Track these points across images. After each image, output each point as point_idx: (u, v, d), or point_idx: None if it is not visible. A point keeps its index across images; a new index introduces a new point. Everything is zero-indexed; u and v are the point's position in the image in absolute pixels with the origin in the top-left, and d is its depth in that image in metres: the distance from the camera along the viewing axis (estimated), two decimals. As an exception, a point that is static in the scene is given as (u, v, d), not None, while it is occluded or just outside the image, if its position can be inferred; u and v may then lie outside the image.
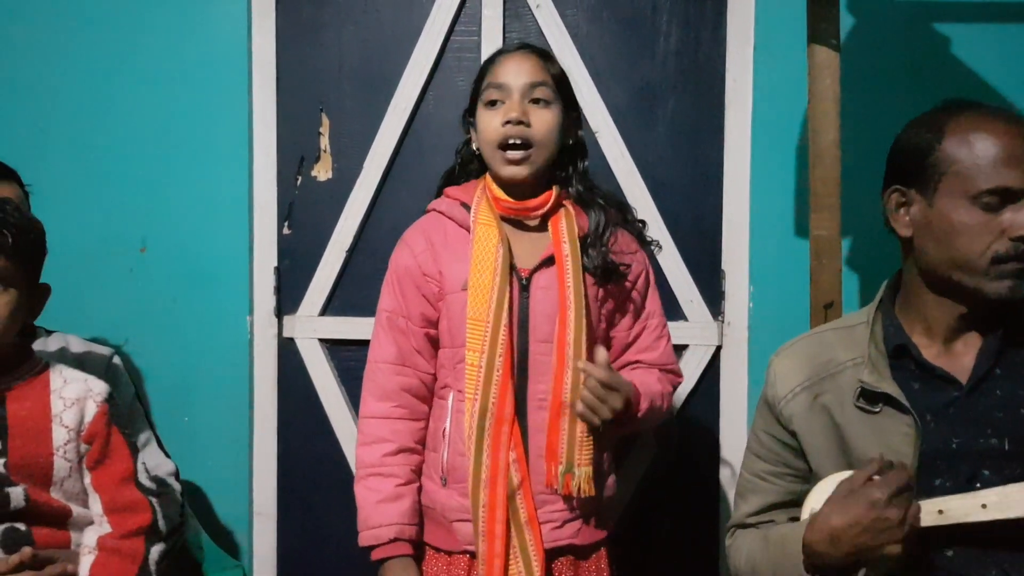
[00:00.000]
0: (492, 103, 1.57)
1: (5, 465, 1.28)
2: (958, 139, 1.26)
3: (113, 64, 2.17)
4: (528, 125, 1.54)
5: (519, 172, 1.56)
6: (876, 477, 1.23)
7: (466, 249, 1.57)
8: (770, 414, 1.43)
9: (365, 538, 1.56)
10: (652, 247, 1.72)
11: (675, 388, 1.72)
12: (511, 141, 1.54)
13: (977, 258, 1.25)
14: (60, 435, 1.32)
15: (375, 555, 1.56)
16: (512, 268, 1.56)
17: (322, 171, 2.23)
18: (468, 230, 1.58)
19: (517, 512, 1.52)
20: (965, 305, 1.30)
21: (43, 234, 1.38)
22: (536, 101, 1.56)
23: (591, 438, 1.54)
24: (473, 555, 1.54)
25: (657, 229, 2.15)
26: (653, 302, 1.70)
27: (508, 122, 1.54)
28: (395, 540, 1.54)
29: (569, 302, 1.54)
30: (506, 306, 1.53)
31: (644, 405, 1.58)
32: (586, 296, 1.56)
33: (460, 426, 1.55)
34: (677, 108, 2.19)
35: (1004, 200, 1.24)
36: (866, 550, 1.22)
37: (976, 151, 1.25)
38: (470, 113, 1.65)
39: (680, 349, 2.18)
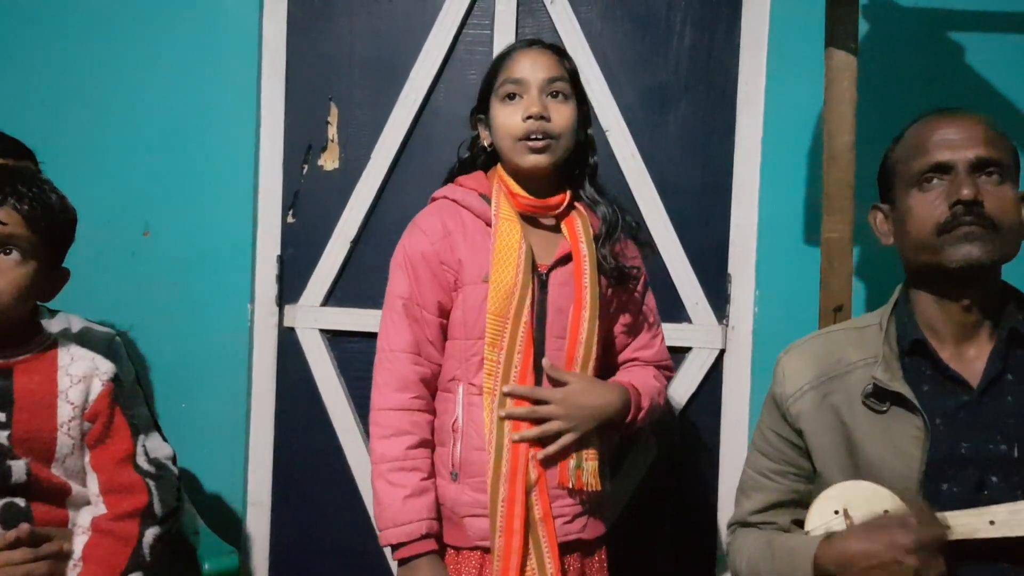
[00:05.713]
0: (510, 97, 1.55)
1: (9, 438, 1.26)
2: (902, 141, 1.38)
3: (122, 47, 2.15)
4: (548, 119, 1.53)
5: (541, 160, 1.54)
6: (914, 521, 1.21)
7: (486, 241, 1.55)
8: (777, 412, 1.43)
9: (393, 535, 1.48)
10: (646, 249, 1.72)
11: (669, 382, 1.76)
12: (532, 136, 1.53)
13: (927, 235, 1.30)
14: (65, 411, 1.31)
15: (402, 553, 1.49)
16: (533, 265, 1.55)
17: (329, 160, 2.22)
18: (486, 221, 1.56)
19: (532, 508, 1.50)
20: (950, 296, 1.32)
21: (74, 220, 1.39)
22: (554, 95, 1.54)
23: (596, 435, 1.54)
24: (484, 550, 1.52)
25: (665, 230, 2.16)
26: (650, 301, 1.72)
27: (530, 117, 1.52)
28: (425, 536, 1.49)
29: (585, 301, 1.54)
30: (527, 302, 1.52)
31: (645, 404, 1.60)
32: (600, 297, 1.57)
33: (474, 420, 1.53)
34: (689, 109, 2.19)
35: (941, 178, 1.31)
36: None
37: (913, 143, 1.35)
38: (479, 110, 1.63)
39: (683, 351, 2.18)
